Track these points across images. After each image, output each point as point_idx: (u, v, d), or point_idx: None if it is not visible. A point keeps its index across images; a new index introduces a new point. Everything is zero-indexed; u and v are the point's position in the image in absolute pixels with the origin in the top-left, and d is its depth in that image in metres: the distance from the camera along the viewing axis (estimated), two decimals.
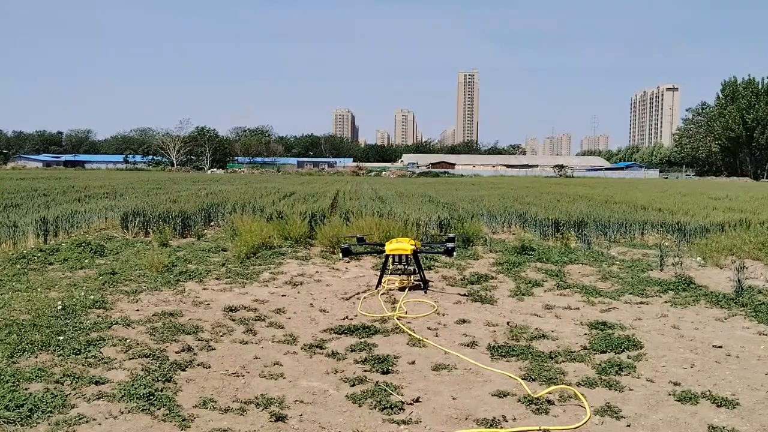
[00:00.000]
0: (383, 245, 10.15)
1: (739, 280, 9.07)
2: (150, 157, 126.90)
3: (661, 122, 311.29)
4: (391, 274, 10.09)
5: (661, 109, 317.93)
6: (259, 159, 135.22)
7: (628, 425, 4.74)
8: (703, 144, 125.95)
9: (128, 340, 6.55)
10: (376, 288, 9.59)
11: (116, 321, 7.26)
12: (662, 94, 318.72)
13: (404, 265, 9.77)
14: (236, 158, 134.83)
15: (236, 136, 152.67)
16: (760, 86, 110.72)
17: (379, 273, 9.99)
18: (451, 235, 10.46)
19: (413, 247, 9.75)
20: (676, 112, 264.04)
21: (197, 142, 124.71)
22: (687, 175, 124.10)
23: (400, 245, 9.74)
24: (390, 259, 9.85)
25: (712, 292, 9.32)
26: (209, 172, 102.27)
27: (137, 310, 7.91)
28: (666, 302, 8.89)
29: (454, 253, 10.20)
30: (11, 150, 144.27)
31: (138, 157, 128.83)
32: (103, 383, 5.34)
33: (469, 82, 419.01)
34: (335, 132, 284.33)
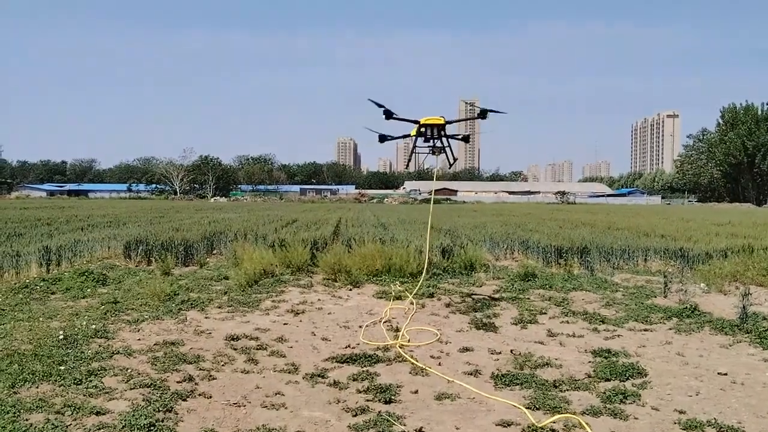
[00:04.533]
0: (417, 121, 10.36)
1: (743, 307, 9.02)
2: (153, 185, 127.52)
3: (662, 148, 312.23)
4: (419, 152, 10.68)
5: (662, 135, 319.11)
6: (261, 187, 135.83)
7: None
8: (704, 170, 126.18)
9: (129, 370, 6.51)
10: (405, 165, 10.09)
11: (118, 350, 7.23)
12: (663, 121, 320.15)
13: (434, 140, 10.23)
14: (239, 186, 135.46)
15: (239, 165, 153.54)
16: (759, 112, 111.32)
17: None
18: (483, 108, 10.32)
19: (444, 119, 10.19)
20: (677, 139, 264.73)
21: (201, 170, 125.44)
22: (689, 200, 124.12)
23: (433, 118, 10.20)
24: (423, 134, 10.24)
25: (716, 318, 9.26)
26: (212, 200, 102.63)
27: (139, 339, 7.88)
28: (670, 329, 8.83)
29: (487, 116, 10.21)
30: (15, 180, 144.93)
31: (141, 186, 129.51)
32: (104, 413, 5.30)
33: (470, 110, 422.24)
34: (338, 160, 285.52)
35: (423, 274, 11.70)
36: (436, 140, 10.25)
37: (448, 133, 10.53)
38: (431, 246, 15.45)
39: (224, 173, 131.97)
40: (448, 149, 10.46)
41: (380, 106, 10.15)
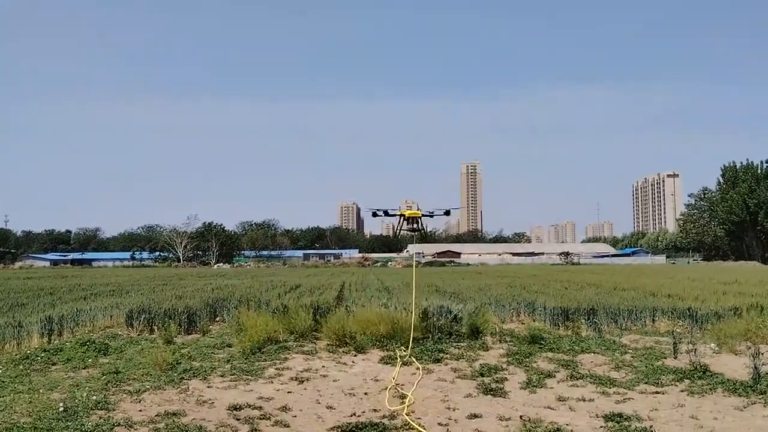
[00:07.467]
0: (403, 214, 14.18)
1: (755, 367, 8.86)
2: (157, 253, 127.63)
3: (664, 208, 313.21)
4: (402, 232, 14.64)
5: (663, 195, 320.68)
6: (265, 252, 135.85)
7: None
8: (708, 229, 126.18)
9: None
10: (394, 235, 12.60)
11: (118, 422, 7.09)
12: (663, 181, 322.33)
13: (413, 225, 14.06)
14: (242, 252, 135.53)
15: (243, 231, 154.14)
16: (759, 170, 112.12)
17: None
18: (448, 209, 14.25)
19: (420, 212, 14.24)
20: (679, 198, 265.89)
21: (204, 237, 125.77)
22: (694, 260, 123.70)
23: (412, 210, 14.24)
24: (404, 222, 14.00)
25: (728, 379, 9.08)
26: (215, 266, 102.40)
27: (140, 410, 7.73)
28: (682, 391, 8.65)
29: (451, 213, 14.63)
30: (20, 249, 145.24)
31: (145, 254, 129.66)
32: None
33: (471, 172, 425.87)
34: (341, 224, 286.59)
35: (410, 338, 12.13)
36: (415, 225, 14.18)
37: (429, 210, 14.48)
38: (434, 310, 15.33)
39: (227, 239, 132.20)
40: (421, 231, 14.40)
41: (377, 212, 14.20)
